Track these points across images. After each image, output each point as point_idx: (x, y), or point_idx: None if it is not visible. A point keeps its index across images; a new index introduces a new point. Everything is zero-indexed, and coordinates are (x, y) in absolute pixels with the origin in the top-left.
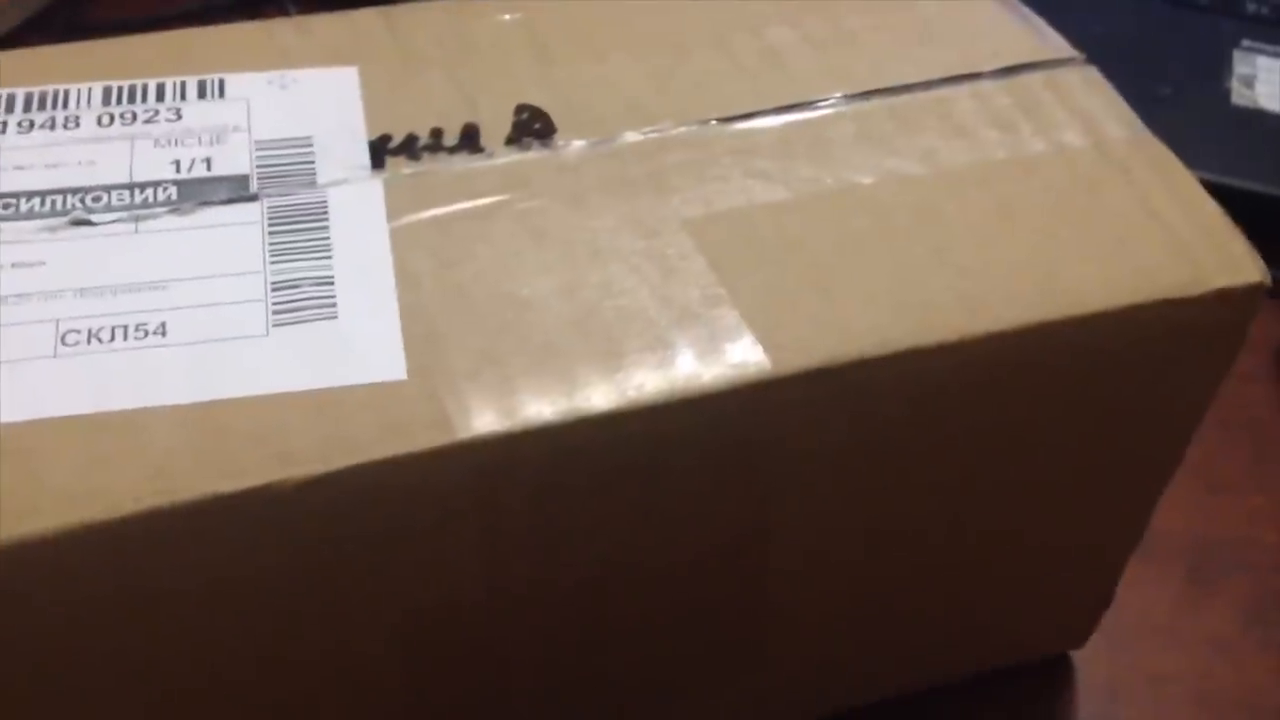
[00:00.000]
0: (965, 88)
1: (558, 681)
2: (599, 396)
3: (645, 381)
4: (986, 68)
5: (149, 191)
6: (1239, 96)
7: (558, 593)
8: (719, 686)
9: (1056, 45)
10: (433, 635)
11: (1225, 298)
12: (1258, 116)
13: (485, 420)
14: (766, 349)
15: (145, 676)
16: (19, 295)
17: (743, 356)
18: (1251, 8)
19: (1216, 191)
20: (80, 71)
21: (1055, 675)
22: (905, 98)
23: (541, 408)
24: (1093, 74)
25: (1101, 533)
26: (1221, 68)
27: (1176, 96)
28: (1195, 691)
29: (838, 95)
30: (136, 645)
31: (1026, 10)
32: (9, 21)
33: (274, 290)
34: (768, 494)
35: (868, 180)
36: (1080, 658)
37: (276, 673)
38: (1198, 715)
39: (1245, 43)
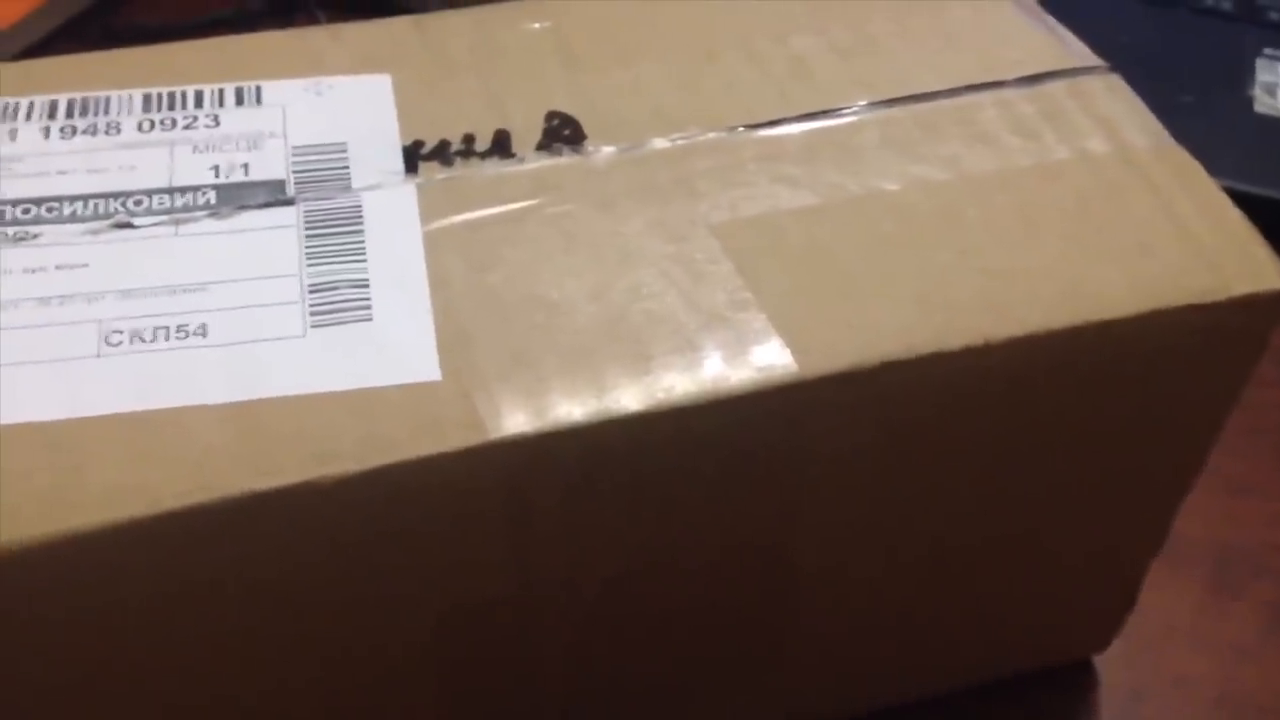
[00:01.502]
0: (989, 95)
1: (584, 680)
2: (628, 398)
3: (674, 383)
4: (1010, 75)
5: (189, 196)
6: (1262, 105)
7: (587, 591)
8: (739, 687)
9: (1080, 53)
10: (465, 633)
11: (1247, 304)
12: None
13: (516, 420)
14: (793, 352)
15: (182, 672)
16: (63, 296)
17: (770, 359)
18: (1275, 16)
19: (1240, 199)
20: (121, 78)
21: (1078, 679)
22: (929, 105)
23: (571, 408)
24: (1116, 81)
25: (1124, 537)
26: (1245, 76)
27: (1199, 105)
28: (1218, 695)
29: (862, 103)
30: (174, 640)
31: (1050, 18)
32: (43, 28)
33: (311, 292)
34: (793, 496)
35: (893, 186)
36: (1103, 661)
37: (311, 669)
38: (1220, 718)
39: (1268, 51)
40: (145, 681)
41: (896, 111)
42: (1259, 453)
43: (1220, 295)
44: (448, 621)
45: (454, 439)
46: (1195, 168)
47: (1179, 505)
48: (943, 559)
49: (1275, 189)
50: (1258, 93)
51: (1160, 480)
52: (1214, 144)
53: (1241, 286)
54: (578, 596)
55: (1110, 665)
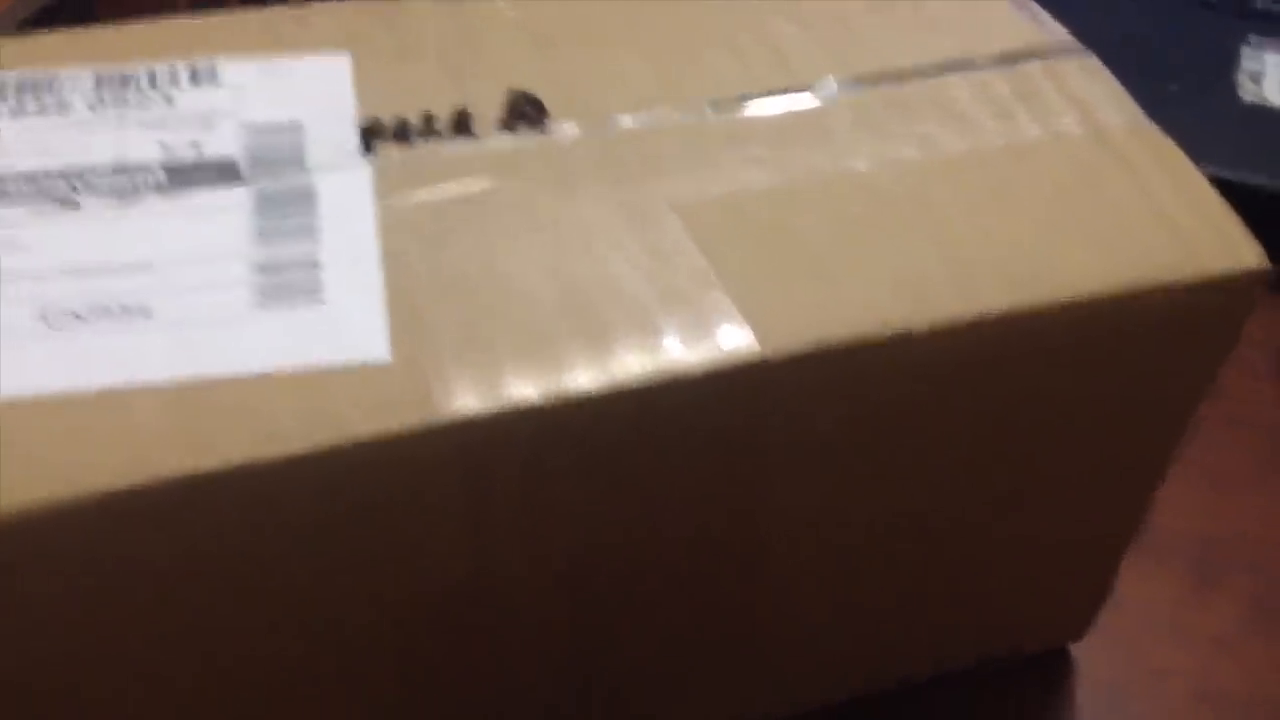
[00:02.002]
0: (963, 76)
1: (549, 670)
2: (585, 378)
3: (632, 363)
4: (985, 56)
5: (137, 174)
6: (1247, 92)
7: (547, 576)
8: (712, 676)
9: (1056, 34)
10: (422, 617)
11: (1223, 284)
12: (1265, 112)
13: (470, 400)
14: (756, 332)
15: (124, 655)
16: (4, 275)
17: (731, 339)
18: (1260, 4)
19: (1225, 187)
20: (74, 58)
21: (1056, 670)
22: (902, 85)
23: (526, 389)
24: (1092, 62)
25: (1099, 522)
26: (1229, 64)
27: (1184, 93)
28: (1198, 688)
29: (835, 83)
30: (116, 623)
31: (1028, 0)
32: (17, 15)
33: (260, 272)
34: (758, 479)
35: (863, 166)
36: (1082, 654)
37: (260, 652)
38: (1199, 711)
39: (1253, 39)
40: (84, 663)
41: (869, 92)
42: (1239, 446)
43: (1195, 275)
44: (406, 605)
45: (405, 419)
46: (1171, 148)
47: (1155, 490)
48: (915, 542)
49: (1261, 176)
50: (1242, 80)
51: (1136, 464)
52: (1199, 132)
53: (1217, 265)
54: (539, 582)
55: (1089, 657)
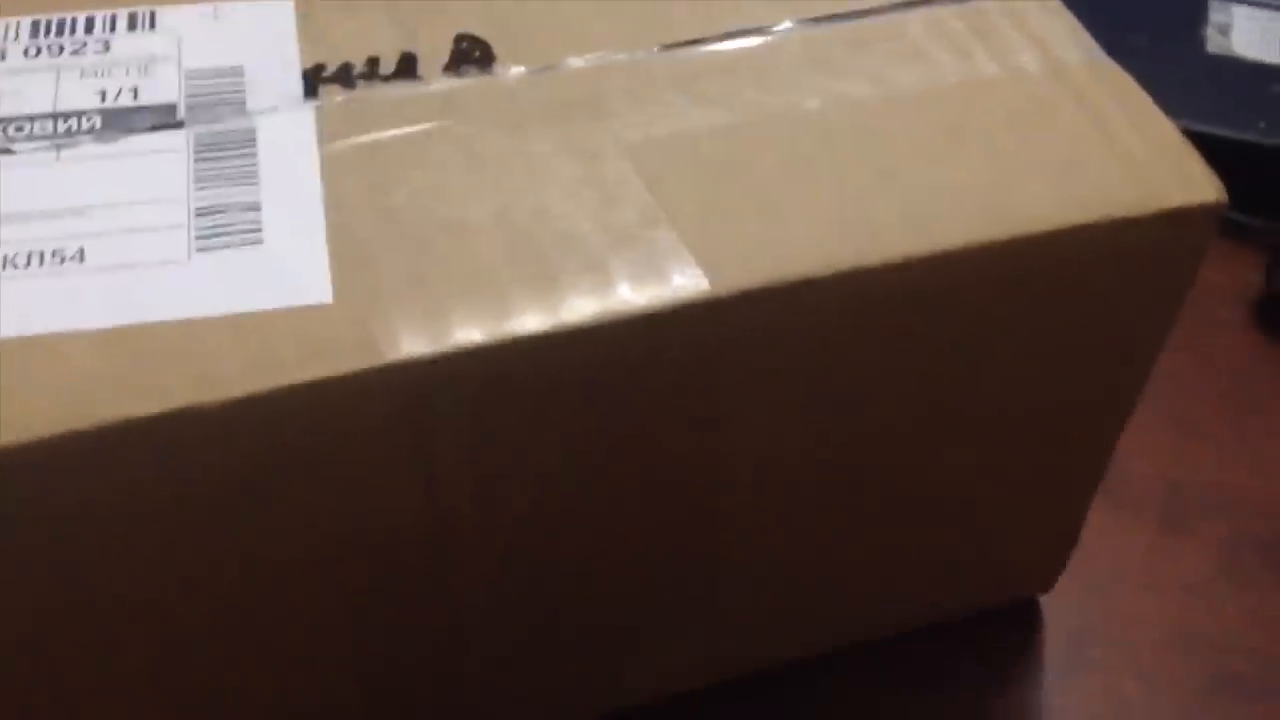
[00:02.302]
0: (919, 12)
1: (506, 626)
2: (532, 319)
3: (580, 304)
4: None
5: (72, 121)
6: (1214, 45)
7: (500, 524)
8: (672, 633)
9: None
10: (374, 567)
11: (1181, 217)
12: (1233, 64)
13: (413, 343)
14: (705, 270)
15: (66, 604)
16: None
17: (680, 278)
18: None
19: (1192, 139)
20: (11, 6)
21: (1024, 620)
22: (856, 23)
23: (471, 330)
24: (1052, 2)
25: (1063, 466)
26: (1197, 17)
27: (1151, 45)
28: (1168, 635)
29: (787, 22)
30: (58, 572)
31: None
32: None
33: (197, 216)
34: (711, 420)
35: (814, 103)
36: (1050, 604)
37: (207, 601)
38: (1170, 658)
39: None
40: (24, 612)
41: (822, 29)
42: (1211, 395)
43: (1152, 208)
44: (352, 548)
45: (346, 361)
46: (1130, 84)
47: (1117, 433)
48: (874, 488)
49: (1229, 129)
50: (1210, 33)
51: (1099, 403)
52: (1167, 84)
53: (1175, 199)
54: (492, 527)
55: (1058, 606)
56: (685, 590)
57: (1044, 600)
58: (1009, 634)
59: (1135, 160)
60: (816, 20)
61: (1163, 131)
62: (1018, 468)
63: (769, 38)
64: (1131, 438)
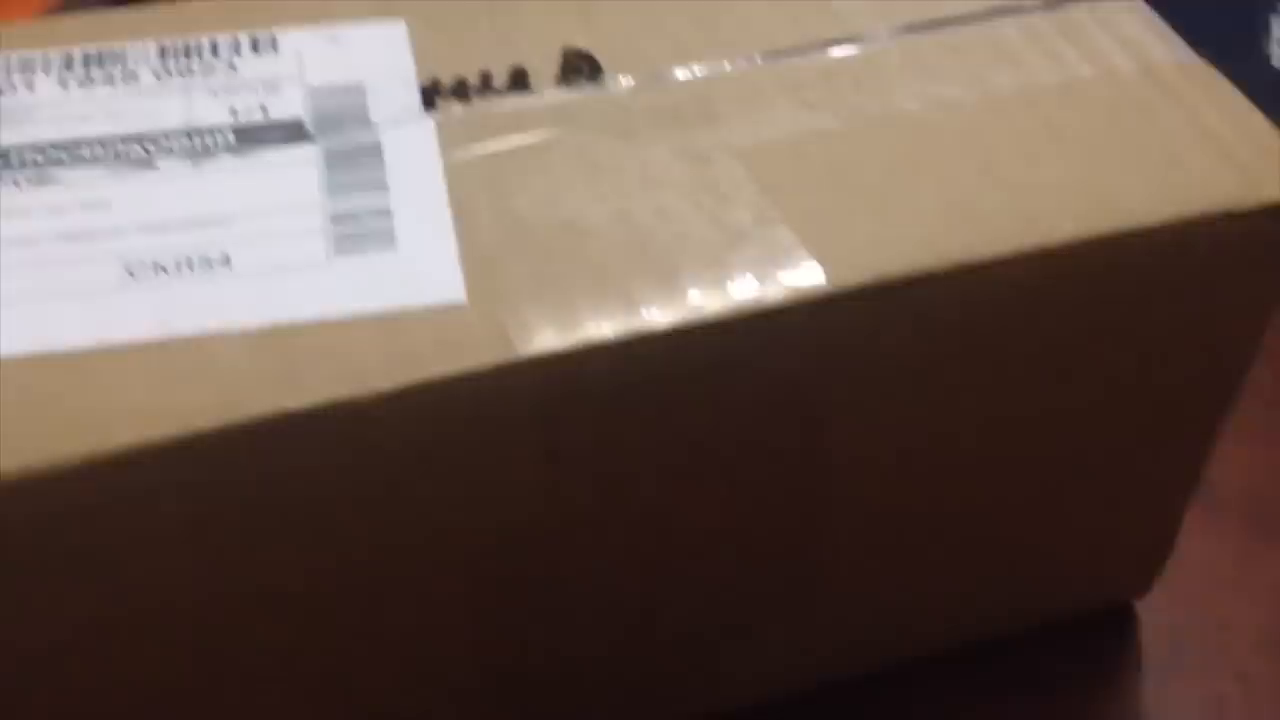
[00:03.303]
0: (1011, 20)
1: (615, 616)
2: (658, 314)
3: (704, 299)
4: (1032, 1)
5: (207, 136)
6: (1278, 60)
7: (619, 517)
8: (770, 629)
9: None
10: (495, 559)
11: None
12: None
13: (545, 338)
14: (822, 266)
15: (206, 596)
16: (85, 233)
17: (799, 274)
18: None
19: None
20: (136, 33)
21: (1119, 624)
22: (951, 31)
23: (601, 326)
24: (1138, 5)
25: (1159, 467)
26: (1260, 33)
27: (1216, 62)
28: (1262, 639)
29: (883, 30)
30: (202, 563)
31: None
32: None
33: (333, 222)
34: (824, 416)
35: (915, 107)
36: (1144, 608)
37: (339, 593)
38: (1265, 663)
39: None
40: (175, 607)
41: (917, 38)
42: None
43: (1251, 201)
44: (481, 546)
45: (482, 356)
46: (1221, 81)
47: (1214, 435)
48: (975, 488)
49: None
50: (1275, 49)
51: (1193, 404)
52: None
53: (1273, 192)
54: (610, 523)
55: (1151, 610)
56: (787, 589)
57: (1140, 605)
58: (1105, 636)
59: (1234, 155)
60: (911, 29)
61: (1259, 128)
62: (1115, 469)
63: (866, 46)
64: (1220, 440)
